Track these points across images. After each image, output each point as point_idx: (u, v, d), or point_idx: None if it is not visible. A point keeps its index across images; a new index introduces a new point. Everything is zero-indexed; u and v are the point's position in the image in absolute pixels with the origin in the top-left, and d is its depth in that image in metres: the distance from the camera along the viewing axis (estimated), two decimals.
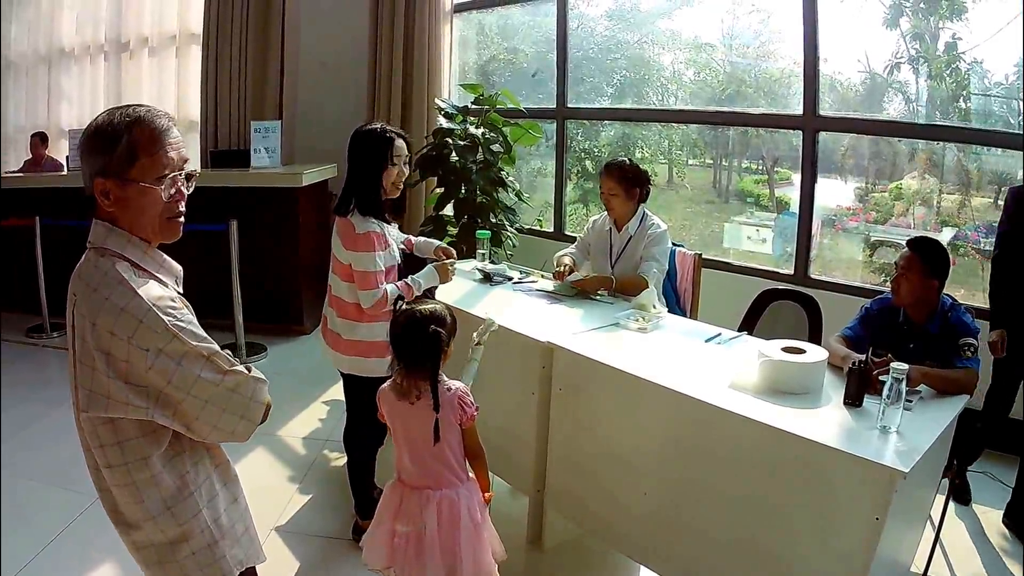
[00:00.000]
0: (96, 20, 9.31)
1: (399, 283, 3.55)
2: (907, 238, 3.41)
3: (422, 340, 2.65)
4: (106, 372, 1.64)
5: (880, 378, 2.79)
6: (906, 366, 2.59)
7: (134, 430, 1.71)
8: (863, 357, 2.89)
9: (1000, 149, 5.19)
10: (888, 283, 4.35)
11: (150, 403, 1.66)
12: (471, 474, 2.88)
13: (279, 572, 3.56)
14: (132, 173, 1.68)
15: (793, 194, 6.38)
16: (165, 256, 1.82)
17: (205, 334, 1.73)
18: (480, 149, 6.15)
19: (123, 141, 1.67)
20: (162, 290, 1.71)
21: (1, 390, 5.35)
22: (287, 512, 4.09)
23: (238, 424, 1.76)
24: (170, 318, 1.66)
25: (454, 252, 3.94)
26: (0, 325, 7.17)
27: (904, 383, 2.56)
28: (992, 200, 5.39)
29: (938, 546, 3.44)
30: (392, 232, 3.65)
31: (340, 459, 4.62)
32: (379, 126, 3.64)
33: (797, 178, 6.25)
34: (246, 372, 1.79)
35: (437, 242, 4.00)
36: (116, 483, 1.76)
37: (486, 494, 2.89)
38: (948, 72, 5.37)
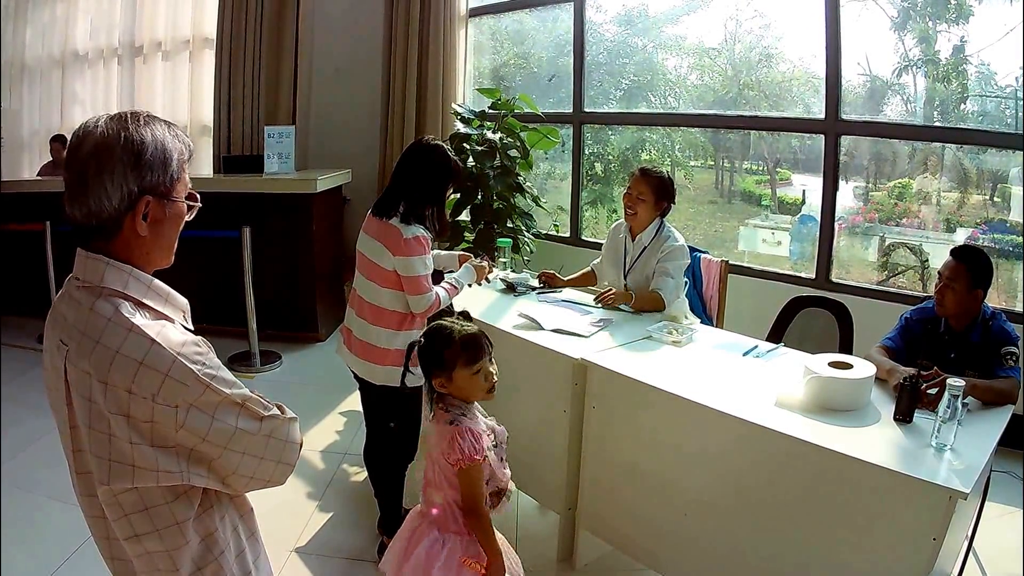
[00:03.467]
0: (110, 25, 9.28)
1: (444, 284, 3.54)
2: (926, 240, 3.33)
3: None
4: (127, 437, 1.42)
5: (928, 392, 2.72)
6: (963, 382, 2.53)
7: (163, 495, 1.50)
8: (911, 371, 2.81)
9: (996, 148, 5.23)
10: (892, 280, 4.29)
11: (183, 465, 1.46)
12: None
13: None
14: (176, 191, 1.54)
15: (794, 194, 6.52)
16: (170, 289, 1.60)
17: (233, 376, 1.54)
18: (497, 154, 6.06)
19: (174, 157, 1.52)
20: (180, 333, 1.50)
21: (10, 397, 5.45)
22: (307, 531, 3.98)
23: (275, 470, 1.60)
24: (198, 366, 1.45)
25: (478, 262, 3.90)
26: (7, 330, 7.14)
27: (960, 399, 2.48)
28: (988, 198, 5.46)
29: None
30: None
31: (361, 473, 4.52)
32: (451, 151, 3.61)
33: (797, 178, 6.45)
34: (281, 415, 1.62)
35: (459, 252, 3.96)
36: (141, 552, 1.55)
37: (475, 563, 2.52)
38: (955, 75, 5.37)
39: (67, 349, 1.46)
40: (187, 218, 1.61)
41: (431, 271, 3.44)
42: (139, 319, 1.45)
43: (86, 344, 1.43)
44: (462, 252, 3.93)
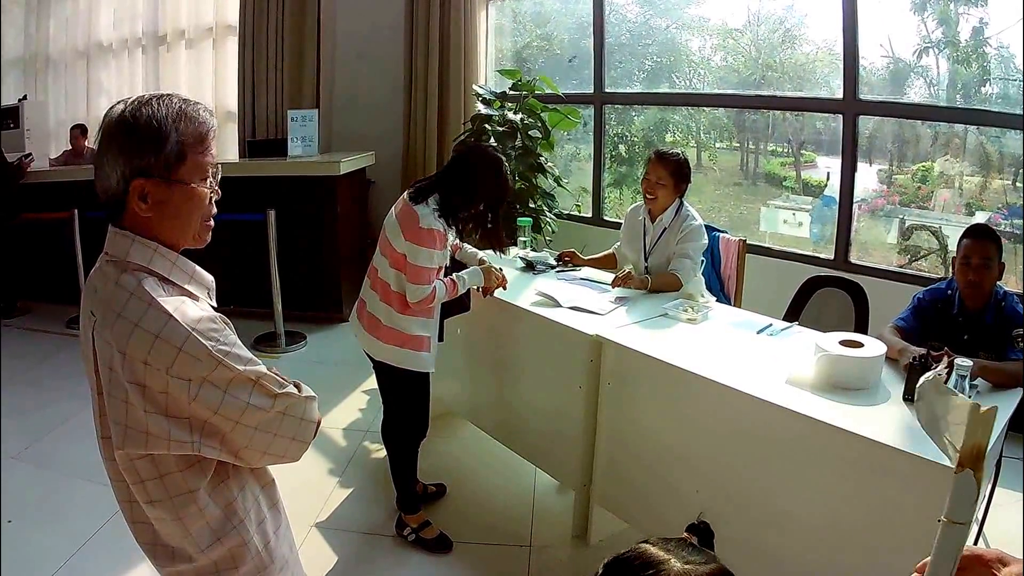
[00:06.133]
0: (133, 14, 9.39)
1: (446, 280, 3.50)
2: (945, 223, 3.28)
3: None
4: (142, 406, 1.45)
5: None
6: (970, 362, 2.52)
7: (176, 463, 1.54)
8: (922, 351, 2.80)
9: (1017, 132, 5.09)
10: (915, 264, 4.21)
11: (194, 436, 1.49)
12: None
13: (321, 569, 3.54)
14: (180, 173, 1.51)
15: (818, 176, 6.44)
16: (195, 266, 1.62)
17: (250, 354, 1.56)
18: (519, 135, 6.09)
19: (172, 138, 1.49)
20: (199, 309, 1.52)
21: (39, 381, 5.59)
22: (327, 507, 4.04)
23: (290, 447, 1.63)
24: (212, 342, 1.47)
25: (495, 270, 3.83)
26: (41, 317, 7.34)
27: (968, 380, 2.48)
28: (1011, 182, 5.35)
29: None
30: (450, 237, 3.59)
31: (381, 450, 4.54)
32: (507, 166, 3.63)
33: (822, 160, 6.36)
34: (297, 393, 1.63)
35: (483, 253, 3.93)
36: (158, 517, 1.60)
37: None
38: (975, 57, 5.31)
39: (95, 320, 1.50)
40: (215, 197, 1.61)
41: (438, 267, 3.44)
42: (161, 294, 1.48)
43: (110, 315, 1.46)
44: (483, 257, 3.90)
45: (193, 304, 1.52)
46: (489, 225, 3.60)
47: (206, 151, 1.56)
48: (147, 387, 1.45)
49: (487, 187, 3.49)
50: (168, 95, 1.54)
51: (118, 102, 1.53)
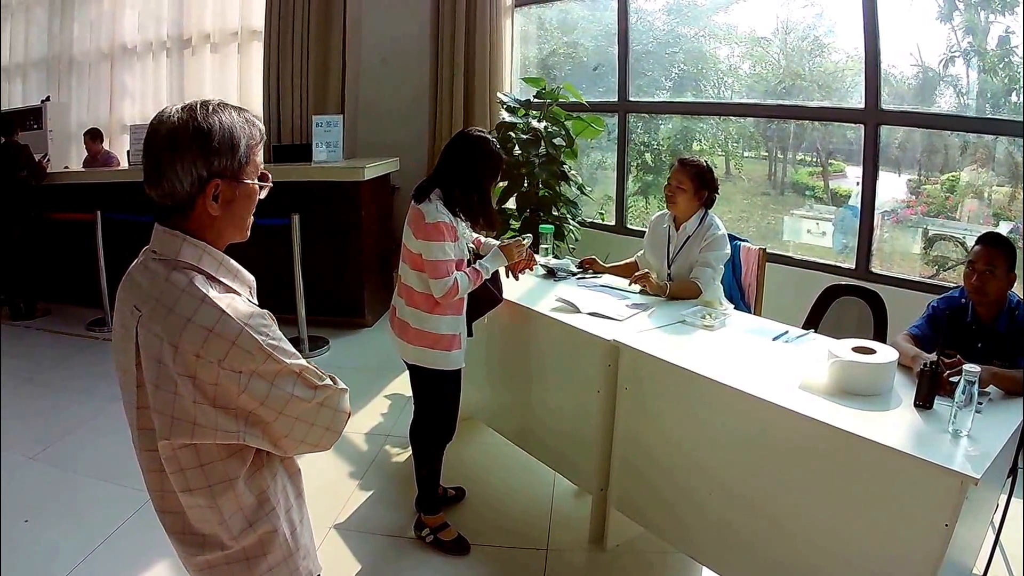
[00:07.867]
0: (158, 18, 9.50)
1: (467, 270, 3.53)
2: (968, 233, 3.25)
3: None
4: (192, 397, 1.53)
5: (950, 379, 2.71)
6: (978, 368, 2.50)
7: (218, 452, 1.62)
8: (933, 358, 2.80)
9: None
10: (941, 275, 4.17)
11: (240, 426, 1.58)
12: None
13: (339, 570, 3.56)
14: (246, 173, 1.64)
15: (847, 186, 6.36)
16: (239, 266, 1.72)
17: (293, 348, 1.64)
18: (543, 143, 6.13)
19: (243, 143, 1.62)
20: (248, 305, 1.61)
21: (58, 383, 5.66)
22: (347, 509, 4.07)
23: (323, 436, 1.70)
24: (263, 337, 1.56)
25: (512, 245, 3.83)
26: (61, 318, 7.43)
27: (976, 386, 2.48)
28: None
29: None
30: (462, 229, 3.59)
31: (402, 455, 4.61)
32: (495, 144, 3.62)
33: (851, 170, 6.29)
34: (334, 385, 1.71)
35: (499, 243, 3.89)
36: (194, 504, 1.66)
37: None
38: (1001, 66, 5.25)
39: (140, 314, 1.57)
40: (260, 196, 1.72)
41: (456, 259, 3.46)
42: (211, 291, 1.55)
43: (160, 311, 1.54)
44: (503, 243, 3.86)
45: (242, 300, 1.60)
46: (485, 206, 3.61)
47: (260, 150, 1.69)
48: (198, 379, 1.51)
49: (480, 166, 3.53)
50: (221, 102, 1.64)
51: (169, 111, 1.60)
